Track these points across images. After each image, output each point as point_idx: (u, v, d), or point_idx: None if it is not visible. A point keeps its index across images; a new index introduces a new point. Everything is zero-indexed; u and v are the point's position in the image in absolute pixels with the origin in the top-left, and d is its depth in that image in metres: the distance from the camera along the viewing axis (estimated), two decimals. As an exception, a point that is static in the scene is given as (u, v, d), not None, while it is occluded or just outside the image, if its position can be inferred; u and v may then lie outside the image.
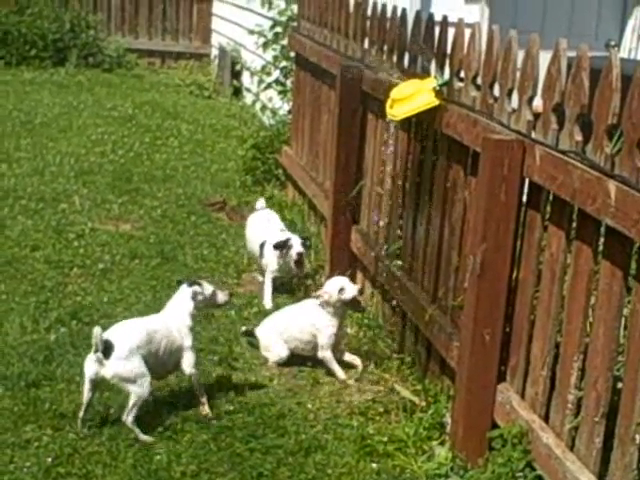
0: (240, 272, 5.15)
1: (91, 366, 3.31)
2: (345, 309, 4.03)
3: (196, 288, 3.61)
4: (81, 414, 3.37)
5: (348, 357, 4.04)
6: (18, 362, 3.84)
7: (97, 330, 3.27)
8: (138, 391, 3.34)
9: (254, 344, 4.18)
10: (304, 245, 4.77)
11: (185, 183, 6.82)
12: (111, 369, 3.30)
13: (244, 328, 4.26)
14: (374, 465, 3.27)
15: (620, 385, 2.61)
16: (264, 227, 5.04)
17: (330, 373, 3.97)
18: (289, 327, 4.10)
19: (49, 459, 3.17)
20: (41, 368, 3.81)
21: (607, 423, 2.62)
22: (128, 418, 3.34)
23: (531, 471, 2.90)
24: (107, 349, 3.27)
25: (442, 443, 3.29)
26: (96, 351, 3.27)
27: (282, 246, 4.73)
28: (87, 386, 3.35)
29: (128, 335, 3.39)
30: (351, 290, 3.97)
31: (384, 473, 3.21)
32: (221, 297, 3.72)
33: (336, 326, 3.98)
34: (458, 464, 3.15)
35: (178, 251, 5.37)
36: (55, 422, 3.41)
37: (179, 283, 3.71)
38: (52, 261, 5.07)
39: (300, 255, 4.73)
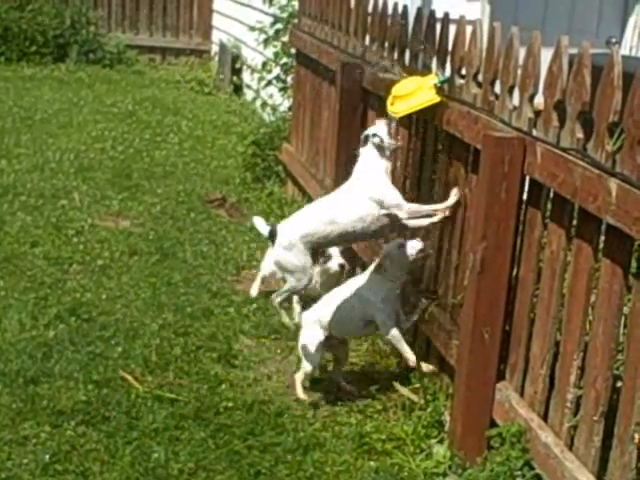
0: (240, 269, 5.14)
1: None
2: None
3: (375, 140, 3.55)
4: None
5: None
6: (16, 359, 3.83)
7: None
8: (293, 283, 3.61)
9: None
10: None
11: (185, 180, 6.80)
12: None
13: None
14: (372, 463, 3.26)
15: (619, 384, 2.60)
16: None
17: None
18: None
19: (47, 456, 3.16)
20: (39, 365, 3.80)
21: (606, 422, 2.62)
22: (276, 299, 3.61)
23: (530, 470, 2.89)
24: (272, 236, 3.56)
25: (441, 441, 3.29)
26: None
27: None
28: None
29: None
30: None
31: (382, 471, 3.20)
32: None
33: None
34: (456, 462, 3.14)
35: (178, 248, 5.36)
36: (53, 419, 3.40)
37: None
38: (51, 257, 5.06)
39: None
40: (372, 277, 3.60)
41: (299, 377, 3.71)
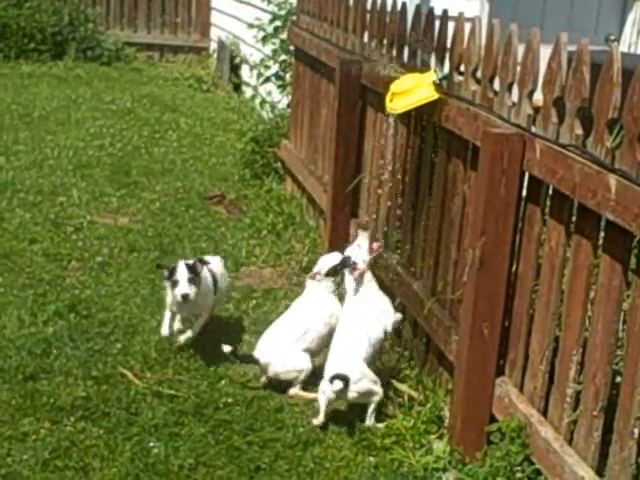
0: (239, 265, 5.14)
1: None
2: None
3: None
4: None
5: None
6: (16, 355, 3.83)
7: None
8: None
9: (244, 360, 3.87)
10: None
11: (183, 176, 6.80)
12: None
13: (227, 348, 3.75)
14: (372, 459, 3.26)
15: (619, 379, 2.61)
16: None
17: None
18: (311, 329, 3.80)
19: (46, 452, 3.16)
20: (39, 361, 3.80)
21: (606, 417, 2.62)
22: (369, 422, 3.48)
23: (529, 465, 2.90)
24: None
25: (440, 437, 3.29)
26: None
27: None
28: None
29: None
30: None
31: (382, 467, 3.21)
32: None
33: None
34: (456, 458, 3.15)
35: (176, 244, 5.36)
36: (53, 415, 3.41)
37: None
38: (50, 254, 5.06)
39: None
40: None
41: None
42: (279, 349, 3.73)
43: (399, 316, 3.79)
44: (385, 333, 3.72)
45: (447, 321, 3.51)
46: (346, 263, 3.69)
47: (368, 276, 3.69)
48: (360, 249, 3.73)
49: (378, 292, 3.75)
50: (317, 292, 3.90)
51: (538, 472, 2.87)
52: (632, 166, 2.45)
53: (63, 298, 4.48)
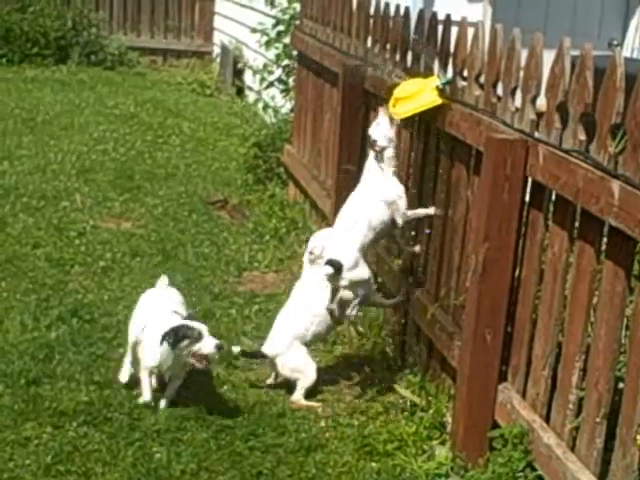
0: (241, 270, 5.14)
1: None
2: None
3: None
4: None
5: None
6: (18, 360, 3.83)
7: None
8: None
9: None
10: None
11: (186, 181, 6.81)
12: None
13: (237, 349, 3.80)
14: (374, 464, 3.26)
15: (621, 385, 2.60)
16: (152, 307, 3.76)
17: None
18: (312, 324, 3.78)
19: (49, 457, 3.16)
20: (41, 366, 3.80)
21: (608, 424, 2.62)
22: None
23: (532, 471, 2.89)
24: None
25: (442, 443, 3.29)
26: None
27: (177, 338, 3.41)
28: None
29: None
30: None
31: (384, 472, 3.20)
32: None
33: None
34: (458, 464, 3.14)
35: (179, 249, 5.36)
36: (55, 420, 3.40)
37: None
38: (53, 259, 5.06)
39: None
40: None
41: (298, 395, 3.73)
42: (287, 344, 3.76)
43: (421, 212, 3.77)
44: (394, 222, 3.68)
45: (450, 327, 3.50)
46: None
47: (388, 153, 3.68)
48: (379, 126, 3.72)
49: (393, 176, 3.72)
50: (314, 276, 3.77)
51: (540, 478, 2.86)
52: (635, 172, 2.44)
53: (66, 303, 4.49)
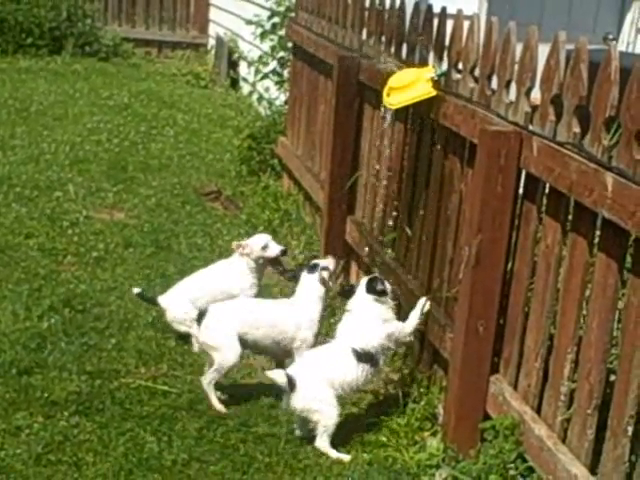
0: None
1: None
2: (264, 267, 4.16)
3: (323, 273, 3.70)
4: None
5: None
6: (10, 349, 3.82)
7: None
8: (219, 358, 3.54)
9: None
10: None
11: (180, 172, 6.79)
12: (201, 337, 3.63)
13: (136, 290, 4.19)
14: (366, 455, 3.27)
15: (613, 378, 2.60)
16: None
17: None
18: (206, 292, 4.03)
19: (40, 446, 3.16)
20: (33, 355, 3.80)
21: (599, 415, 2.62)
22: (204, 380, 3.54)
23: (522, 462, 2.90)
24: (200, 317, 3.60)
25: (434, 434, 3.29)
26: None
27: None
28: None
29: (222, 312, 3.62)
30: (274, 248, 4.09)
31: (376, 463, 3.21)
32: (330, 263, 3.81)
33: (256, 286, 4.11)
34: (450, 455, 3.14)
35: (172, 240, 5.35)
36: (46, 409, 3.40)
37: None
38: (46, 249, 5.05)
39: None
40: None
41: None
42: (176, 300, 4.08)
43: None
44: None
45: (442, 319, 3.50)
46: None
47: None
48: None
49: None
50: (235, 264, 4.12)
51: (531, 469, 2.87)
52: (629, 164, 2.44)
53: (58, 293, 4.48)
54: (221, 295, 3.99)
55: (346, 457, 3.25)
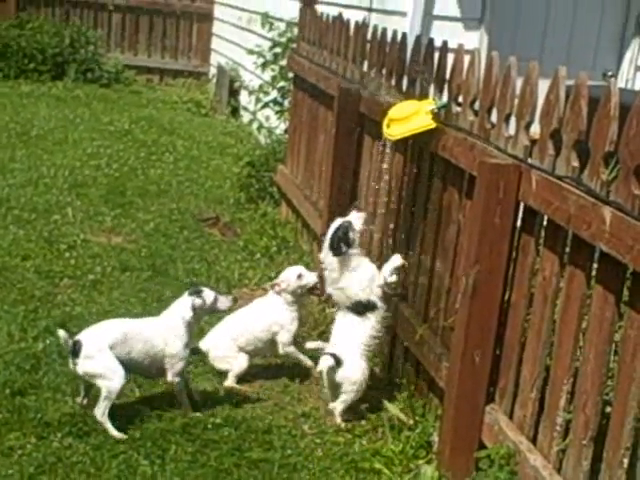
0: (231, 287, 5.13)
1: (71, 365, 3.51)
2: (305, 297, 4.13)
3: (196, 301, 3.61)
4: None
5: (301, 356, 4.09)
6: (4, 370, 3.81)
7: (61, 333, 3.49)
8: (107, 385, 3.42)
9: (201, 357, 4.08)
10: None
11: (179, 198, 6.82)
12: (81, 367, 3.45)
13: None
14: (360, 483, 3.25)
15: (609, 409, 2.61)
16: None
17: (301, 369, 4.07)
18: (246, 330, 4.02)
19: (32, 467, 3.15)
20: (27, 376, 3.78)
21: (595, 446, 2.63)
22: (98, 411, 3.42)
23: (517, 493, 2.89)
24: (77, 349, 3.44)
25: (429, 462, 3.29)
26: (68, 352, 3.47)
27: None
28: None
29: (98, 334, 3.52)
30: (310, 276, 4.05)
31: (370, 491, 3.20)
32: (223, 303, 3.72)
33: (297, 318, 4.05)
34: (444, 484, 3.14)
35: (169, 265, 5.36)
36: (39, 430, 3.38)
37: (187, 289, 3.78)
38: (42, 271, 5.05)
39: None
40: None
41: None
42: (217, 340, 4.03)
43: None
44: None
45: (438, 348, 3.51)
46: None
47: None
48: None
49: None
50: (272, 301, 4.07)
51: (526, 501, 2.86)
52: (627, 199, 2.47)
53: (54, 315, 4.47)
54: (261, 334, 4.03)
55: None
